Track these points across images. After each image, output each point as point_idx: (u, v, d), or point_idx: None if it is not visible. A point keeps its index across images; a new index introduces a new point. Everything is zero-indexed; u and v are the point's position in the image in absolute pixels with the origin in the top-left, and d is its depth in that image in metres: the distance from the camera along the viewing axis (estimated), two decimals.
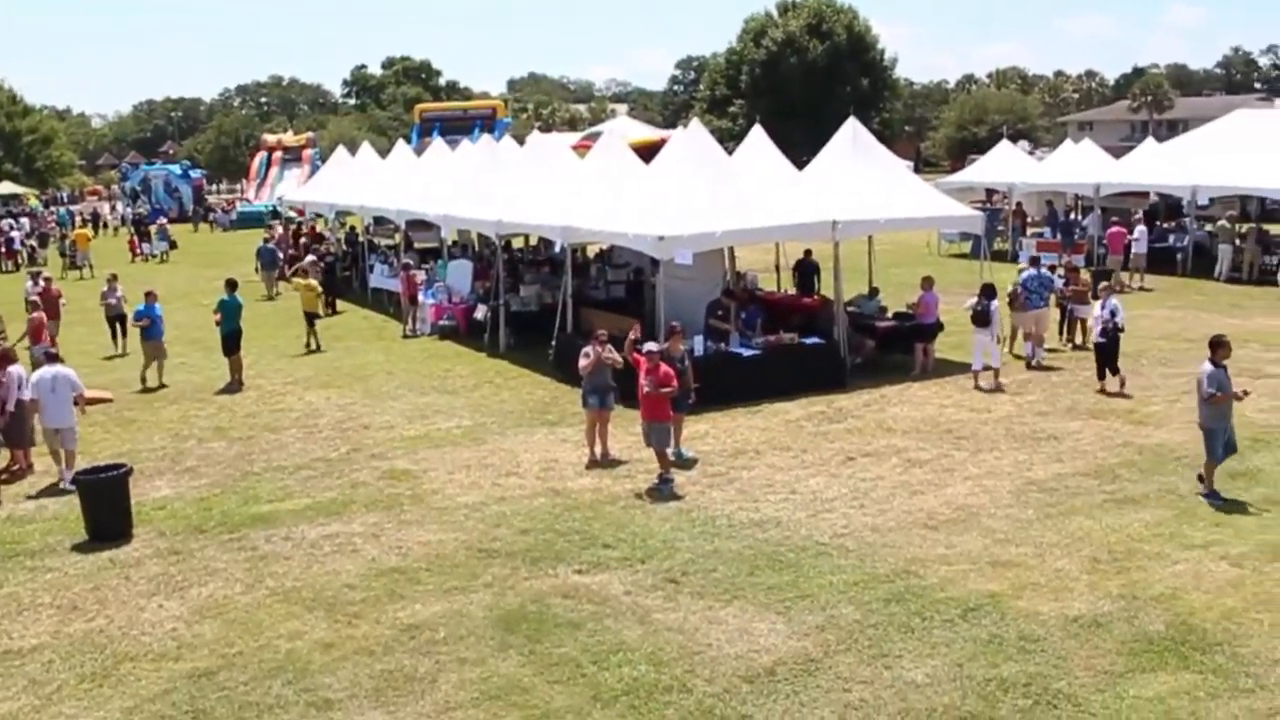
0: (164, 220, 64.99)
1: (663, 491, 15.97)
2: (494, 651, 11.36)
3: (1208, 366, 14.95)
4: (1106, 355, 21.25)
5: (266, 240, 43.06)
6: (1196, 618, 11.61)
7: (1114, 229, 37.23)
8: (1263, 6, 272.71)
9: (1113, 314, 20.96)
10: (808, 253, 29.17)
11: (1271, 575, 12.62)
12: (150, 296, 24.97)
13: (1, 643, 12.06)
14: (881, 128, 78.56)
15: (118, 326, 28.71)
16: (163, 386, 24.11)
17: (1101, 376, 21.27)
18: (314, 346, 28.51)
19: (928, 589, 12.52)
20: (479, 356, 26.49)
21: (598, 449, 17.82)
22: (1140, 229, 36.56)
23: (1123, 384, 21.17)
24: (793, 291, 28.94)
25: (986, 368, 21.93)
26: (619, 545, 14.09)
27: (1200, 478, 15.41)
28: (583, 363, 17.60)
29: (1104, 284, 22.94)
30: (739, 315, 22.69)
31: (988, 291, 22.28)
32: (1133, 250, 35.91)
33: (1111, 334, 21.01)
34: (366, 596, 12.84)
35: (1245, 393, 15.35)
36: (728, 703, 10.23)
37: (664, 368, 16.36)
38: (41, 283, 29.82)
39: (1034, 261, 27.43)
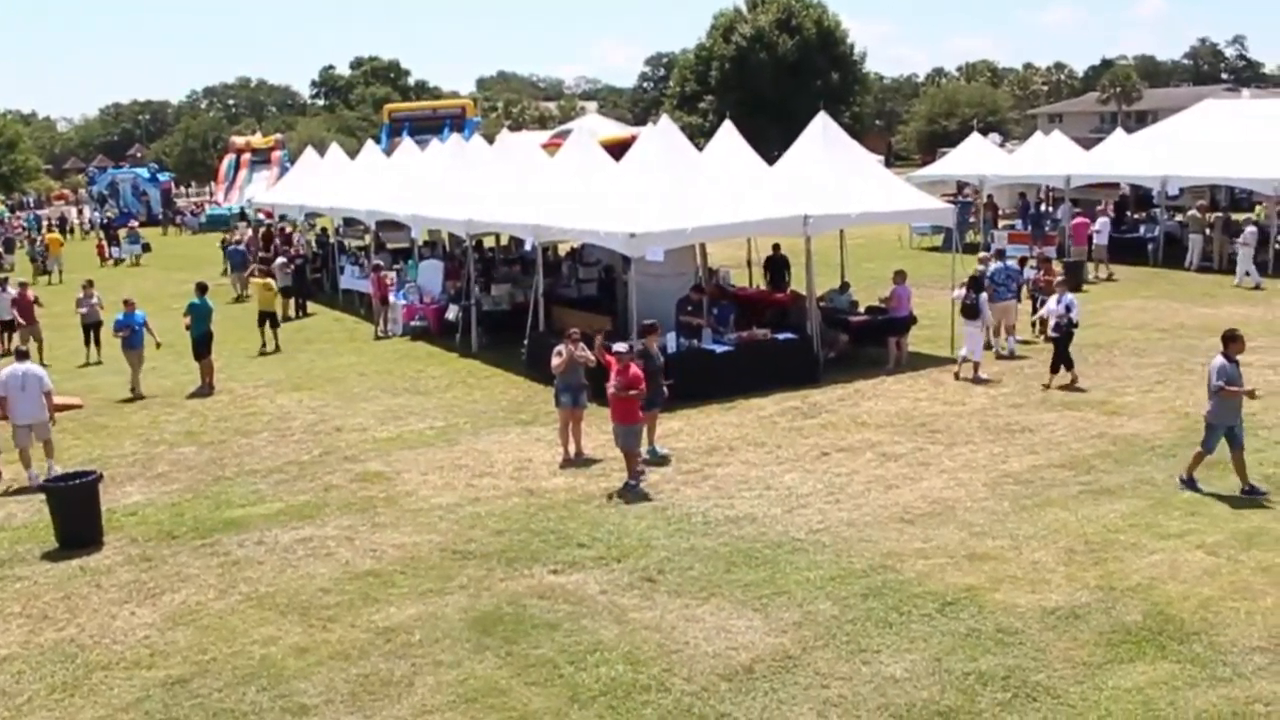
0: (135, 223, 64.58)
1: (632, 493, 15.91)
2: (470, 653, 11.29)
3: (1219, 360, 14.88)
4: (1061, 350, 21.19)
5: (235, 242, 42.96)
6: (1173, 607, 11.63)
7: (1077, 220, 37.49)
8: None
9: (1068, 309, 21.00)
10: (776, 247, 29.14)
11: (1247, 564, 12.66)
12: (129, 305, 24.60)
13: None
14: (852, 122, 78.56)
15: (91, 334, 28.21)
16: (138, 396, 23.82)
17: (1055, 370, 21.17)
18: (272, 347, 28.53)
19: (905, 583, 12.51)
20: (451, 357, 26.39)
21: (571, 448, 17.77)
22: (1102, 220, 36.97)
23: (1074, 380, 21.09)
24: (764, 287, 28.92)
25: (965, 360, 21.97)
26: (594, 544, 14.03)
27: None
28: (555, 361, 17.54)
29: (1060, 279, 23.00)
30: (711, 311, 22.66)
31: (975, 284, 22.34)
32: (1094, 241, 36.19)
33: (1065, 329, 21.01)
34: (341, 600, 12.75)
35: (1255, 393, 15.25)
36: (706, 701, 10.19)
37: (633, 369, 16.23)
38: (14, 289, 29.38)
39: (1000, 254, 27.76)
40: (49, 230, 64.34)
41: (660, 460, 17.32)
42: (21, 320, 28.45)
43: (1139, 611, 11.58)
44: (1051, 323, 21.32)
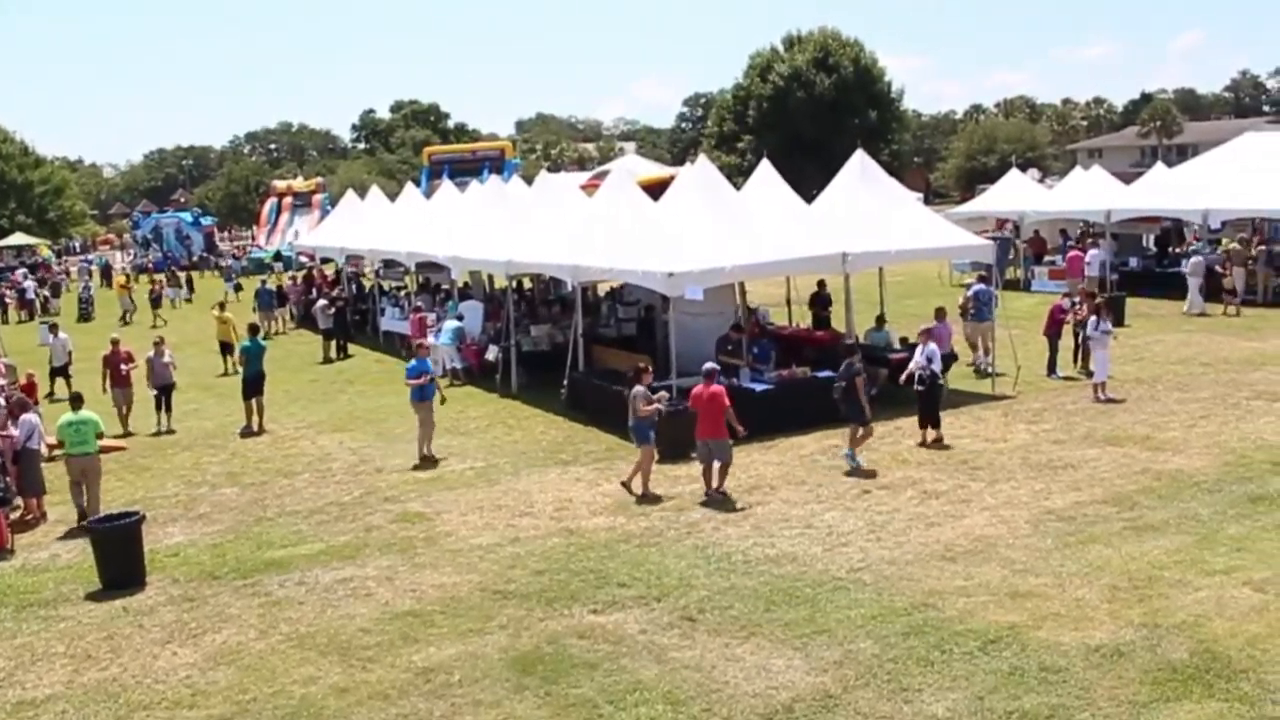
0: (175, 268, 65.27)
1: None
2: (510, 694, 11.26)
3: None
4: (925, 404, 20.12)
5: (274, 285, 43.68)
6: (1220, 645, 11.46)
7: (1072, 253, 37.70)
8: (1269, 29, 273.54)
9: (929, 360, 20.12)
10: (821, 284, 29.14)
11: None
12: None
13: (15, 693, 11.99)
14: (890, 159, 78.58)
15: (163, 400, 25.12)
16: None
17: (922, 426, 20.13)
18: (231, 370, 30.90)
19: (946, 621, 12.40)
20: (491, 397, 26.46)
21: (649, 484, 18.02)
22: (1094, 251, 37.77)
23: (939, 439, 20.02)
24: (806, 325, 28.89)
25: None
26: (634, 584, 13.99)
27: None
28: (650, 408, 17.85)
29: (921, 329, 21.37)
30: (750, 350, 22.65)
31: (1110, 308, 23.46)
32: (1086, 273, 36.73)
33: (929, 382, 20.04)
34: (381, 640, 12.76)
35: None
36: None
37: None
38: (109, 344, 25.60)
39: (982, 279, 28.42)
40: (116, 275, 64.79)
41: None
42: (114, 383, 24.89)
43: (1185, 649, 11.42)
44: (916, 375, 20.14)
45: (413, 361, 21.61)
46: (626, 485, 17.97)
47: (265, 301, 41.70)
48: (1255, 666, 10.97)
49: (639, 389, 17.93)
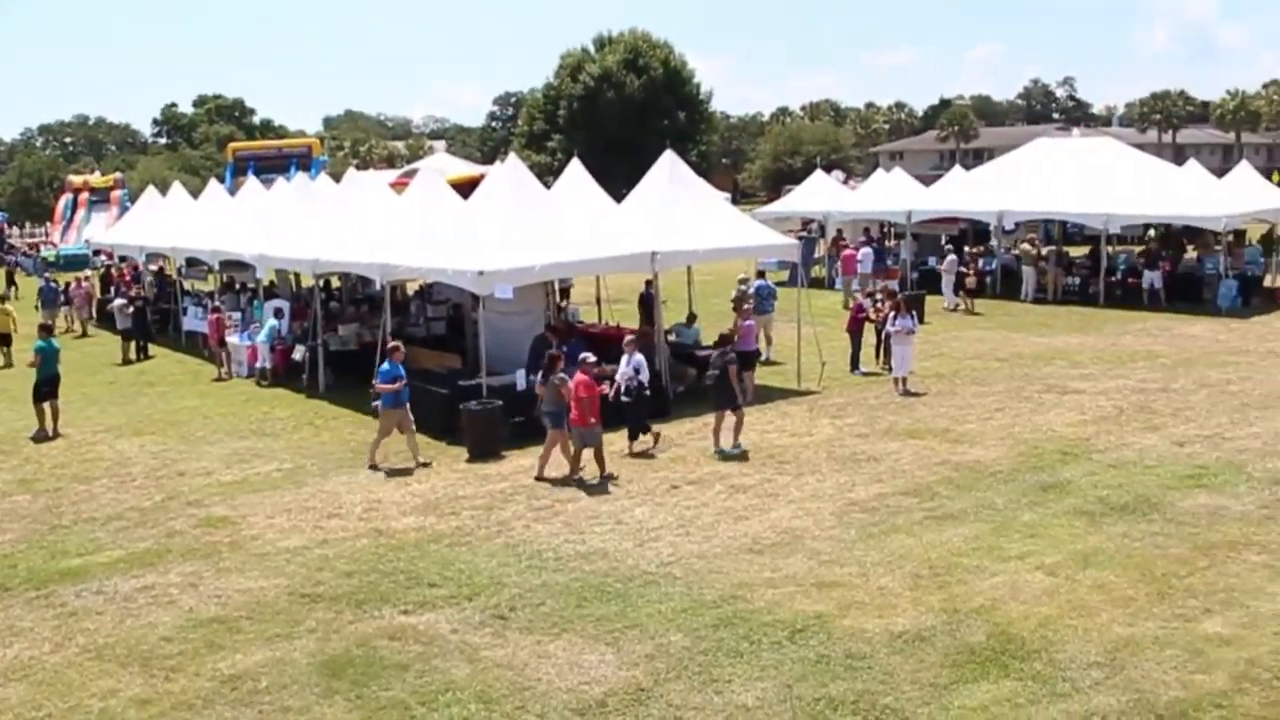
0: None
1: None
2: (319, 698, 11.11)
3: None
4: (633, 414, 19.98)
5: (65, 283, 42.11)
6: (1015, 627, 11.99)
7: (846, 252, 39.09)
8: (1059, 41, 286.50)
9: (636, 370, 20.07)
10: (649, 283, 29.39)
11: (1083, 583, 13.13)
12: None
13: None
14: (699, 160, 79.36)
15: None
16: None
17: (633, 438, 19.94)
18: (4, 363, 31.53)
19: (755, 612, 12.66)
20: (298, 398, 25.99)
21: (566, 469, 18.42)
22: (865, 250, 39.32)
23: (656, 439, 20.02)
24: (624, 324, 29.09)
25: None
26: (445, 583, 13.94)
27: None
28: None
29: (629, 338, 21.28)
30: (561, 349, 22.69)
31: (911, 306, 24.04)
32: (859, 270, 38.39)
33: (636, 393, 19.98)
34: (184, 649, 12.44)
35: None
36: None
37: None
38: None
39: (760, 274, 30.14)
40: None
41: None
42: None
43: (982, 632, 11.91)
44: (622, 385, 20.17)
45: (385, 365, 19.82)
46: (541, 477, 18.29)
47: (49, 298, 39.76)
48: (1047, 646, 11.51)
49: (560, 376, 18.37)
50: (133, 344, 33.50)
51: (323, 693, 11.22)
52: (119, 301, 34.83)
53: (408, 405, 19.60)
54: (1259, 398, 22.24)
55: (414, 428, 19.72)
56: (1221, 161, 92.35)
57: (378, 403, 19.86)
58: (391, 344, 20.15)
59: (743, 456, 19.19)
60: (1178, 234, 40.96)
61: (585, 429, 17.95)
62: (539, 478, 18.27)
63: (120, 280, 42.89)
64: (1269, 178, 49.97)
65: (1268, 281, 38.24)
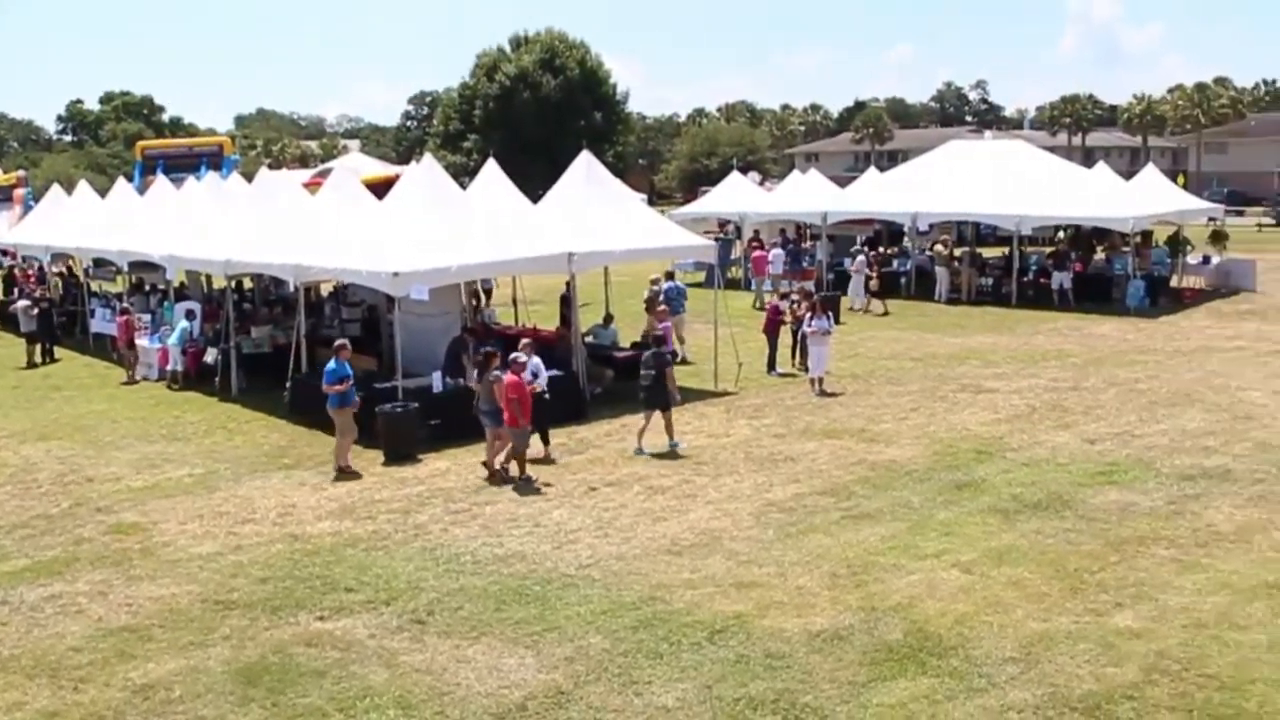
0: None
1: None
2: (234, 707, 10.94)
3: None
4: (540, 423, 19.11)
5: None
6: (931, 624, 12.13)
7: (756, 254, 39.57)
8: (971, 45, 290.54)
9: (534, 376, 19.41)
10: (568, 284, 29.30)
11: (998, 580, 13.31)
12: None
13: None
14: (615, 161, 79.35)
15: None
16: None
17: (547, 442, 19.48)
18: None
19: (674, 614, 12.68)
20: (210, 401, 25.58)
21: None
22: (776, 251, 40.17)
23: (548, 455, 19.36)
24: (541, 325, 29.02)
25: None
26: (362, 588, 13.80)
27: None
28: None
29: (525, 341, 20.90)
30: (477, 351, 22.57)
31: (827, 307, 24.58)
32: (770, 271, 39.18)
33: (539, 398, 19.05)
34: (94, 659, 12.18)
35: None
36: None
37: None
38: None
39: (669, 275, 31.03)
40: None
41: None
42: None
43: (899, 630, 12.03)
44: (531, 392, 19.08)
45: (331, 364, 19.27)
46: (493, 470, 18.36)
47: None
48: (963, 643, 11.65)
49: (495, 373, 18.20)
50: (38, 347, 32.80)
51: (238, 701, 11.05)
52: (23, 303, 34.06)
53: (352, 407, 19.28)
54: (1166, 396, 22.71)
55: (355, 430, 19.48)
56: (1129, 164, 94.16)
57: (329, 405, 19.20)
58: (338, 342, 19.80)
59: (674, 454, 19.31)
60: (1087, 235, 41.68)
61: (515, 430, 17.85)
62: (491, 471, 18.31)
63: (25, 281, 41.98)
64: (1174, 180, 51.21)
65: (1174, 282, 39.12)
